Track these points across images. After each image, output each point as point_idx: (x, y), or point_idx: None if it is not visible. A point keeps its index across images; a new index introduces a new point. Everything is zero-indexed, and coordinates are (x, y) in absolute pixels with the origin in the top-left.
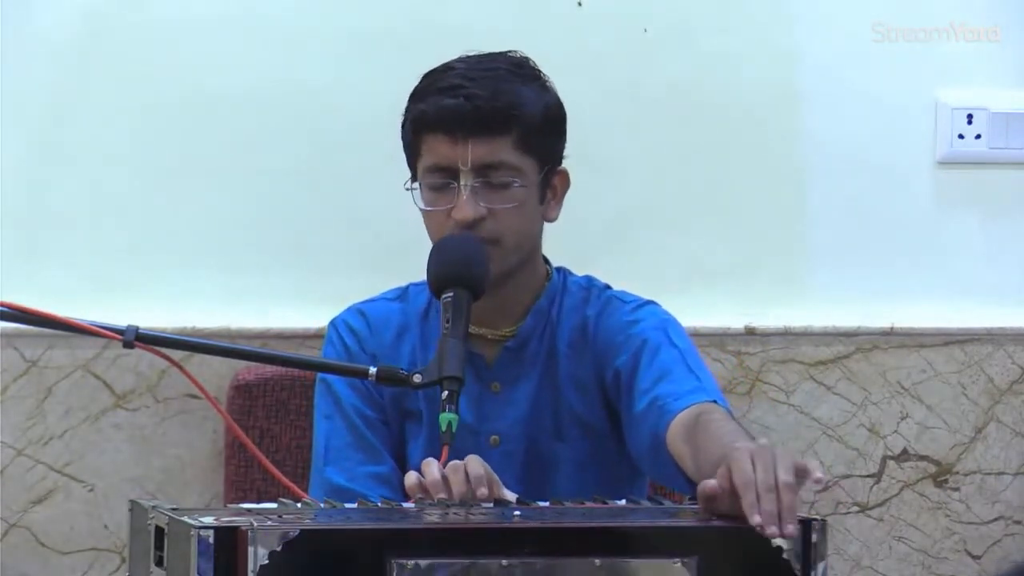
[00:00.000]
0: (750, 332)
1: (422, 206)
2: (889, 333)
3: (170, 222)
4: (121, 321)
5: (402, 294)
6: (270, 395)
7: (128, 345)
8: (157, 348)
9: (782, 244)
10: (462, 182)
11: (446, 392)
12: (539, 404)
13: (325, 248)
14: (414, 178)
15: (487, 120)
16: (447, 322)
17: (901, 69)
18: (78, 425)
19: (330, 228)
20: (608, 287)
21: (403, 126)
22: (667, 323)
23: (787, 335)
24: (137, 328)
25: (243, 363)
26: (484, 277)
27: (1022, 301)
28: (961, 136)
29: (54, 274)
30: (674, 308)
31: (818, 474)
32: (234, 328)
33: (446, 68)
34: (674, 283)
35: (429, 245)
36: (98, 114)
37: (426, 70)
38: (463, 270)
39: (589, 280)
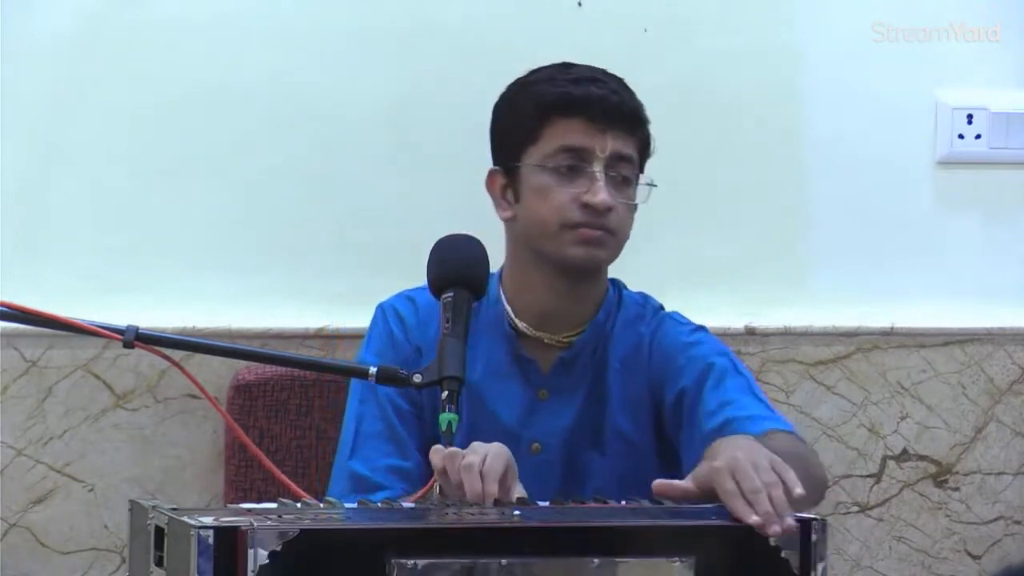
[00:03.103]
0: (750, 332)
1: (544, 186)
2: (889, 333)
3: (170, 222)
4: (121, 321)
5: None
6: (270, 395)
7: (128, 345)
8: (157, 348)
9: (782, 244)
10: (595, 168)
11: (446, 392)
12: (584, 416)
13: (325, 248)
14: (509, 159)
15: (627, 115)
16: (447, 322)
17: (901, 69)
18: (78, 425)
19: (330, 228)
20: (662, 307)
21: (512, 108)
22: (727, 350)
23: (787, 335)
24: (137, 328)
25: (243, 363)
26: (484, 277)
27: (1022, 301)
28: (961, 136)
29: (54, 274)
30: (674, 308)
31: (798, 490)
32: (234, 328)
33: (566, 64)
34: (674, 283)
35: (429, 245)
36: (98, 114)
37: (425, 69)
38: (463, 270)
39: (644, 297)
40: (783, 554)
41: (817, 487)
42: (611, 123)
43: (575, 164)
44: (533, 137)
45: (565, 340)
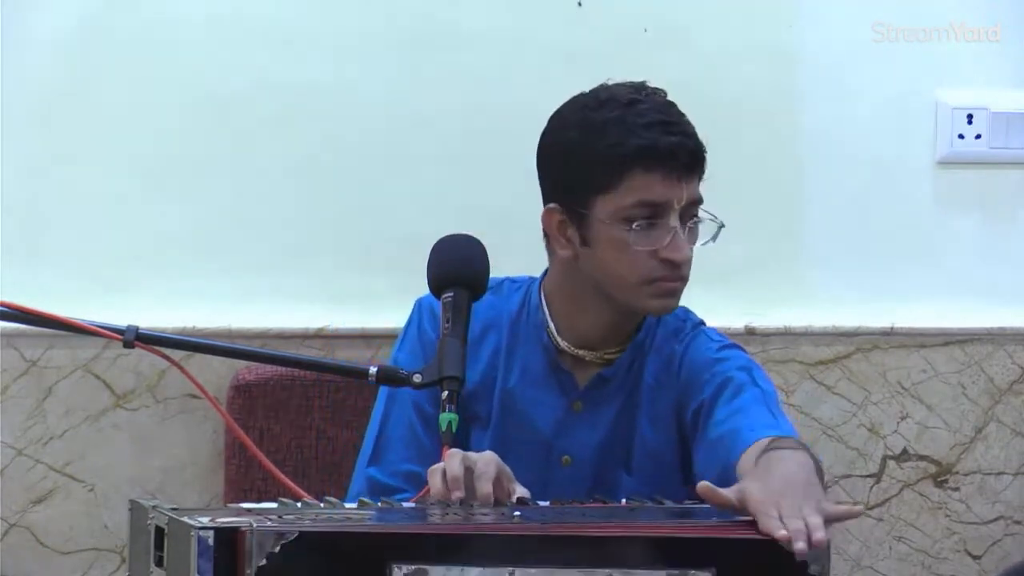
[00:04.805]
0: (750, 332)
1: (622, 242)
2: (889, 333)
3: (170, 222)
4: (121, 321)
5: (497, 287)
6: (270, 395)
7: (128, 345)
8: (157, 348)
9: (782, 244)
10: (673, 222)
11: (446, 392)
12: (615, 432)
13: (325, 248)
14: (575, 203)
15: (698, 159)
16: (447, 322)
17: (901, 69)
18: (78, 425)
19: (331, 228)
20: (701, 322)
21: (581, 151)
22: (752, 365)
23: (787, 335)
24: (137, 328)
25: (243, 363)
26: (484, 277)
27: (1022, 301)
28: (961, 136)
29: (54, 274)
30: None
31: (819, 535)
32: (234, 328)
33: (631, 101)
34: None
35: (429, 245)
36: (98, 114)
37: (425, 69)
38: (463, 270)
39: (685, 312)
40: (811, 569)
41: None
42: (685, 172)
43: (653, 220)
44: (607, 187)
45: (607, 358)
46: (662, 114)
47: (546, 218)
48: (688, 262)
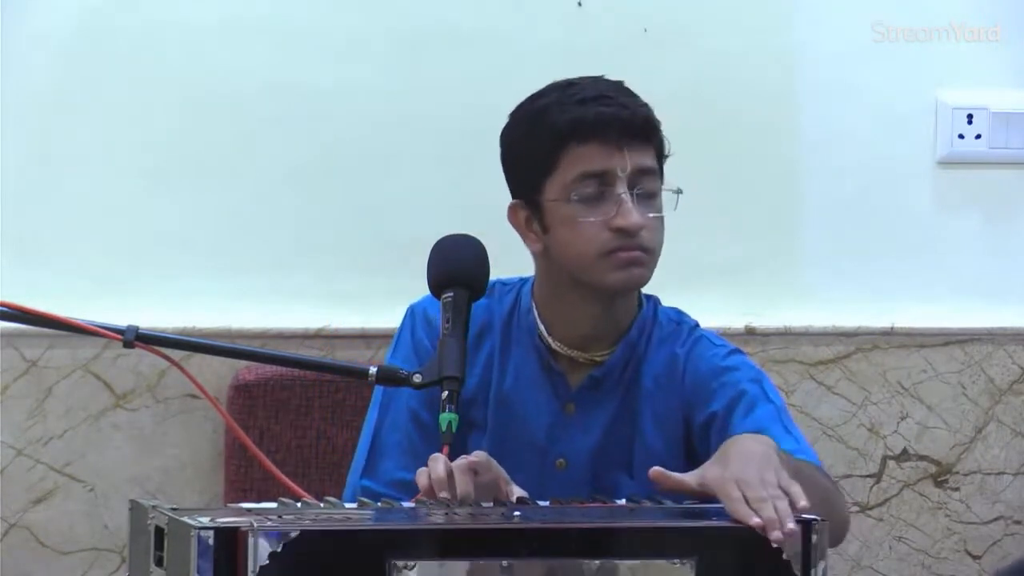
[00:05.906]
0: (750, 332)
1: (571, 217)
2: (889, 333)
3: (170, 222)
4: (121, 321)
5: (489, 290)
6: (270, 395)
7: (128, 345)
8: (157, 348)
9: (782, 244)
10: (620, 190)
11: (446, 392)
12: (612, 434)
13: (325, 248)
14: (528, 192)
15: (639, 127)
16: (447, 322)
17: (901, 69)
18: (78, 425)
19: (330, 228)
20: (697, 325)
21: (524, 140)
22: (762, 376)
23: (787, 335)
24: (137, 328)
25: (243, 363)
26: (484, 277)
27: (1022, 301)
28: (961, 136)
29: (54, 274)
30: (674, 308)
31: (802, 503)
32: (234, 328)
33: (570, 83)
34: (674, 283)
35: (430, 245)
36: (98, 115)
37: (426, 69)
38: (463, 270)
39: (679, 314)
40: (785, 556)
41: (838, 527)
42: (626, 139)
43: (599, 189)
44: (550, 168)
45: (598, 358)
46: (598, 90)
47: (511, 216)
48: (645, 229)
